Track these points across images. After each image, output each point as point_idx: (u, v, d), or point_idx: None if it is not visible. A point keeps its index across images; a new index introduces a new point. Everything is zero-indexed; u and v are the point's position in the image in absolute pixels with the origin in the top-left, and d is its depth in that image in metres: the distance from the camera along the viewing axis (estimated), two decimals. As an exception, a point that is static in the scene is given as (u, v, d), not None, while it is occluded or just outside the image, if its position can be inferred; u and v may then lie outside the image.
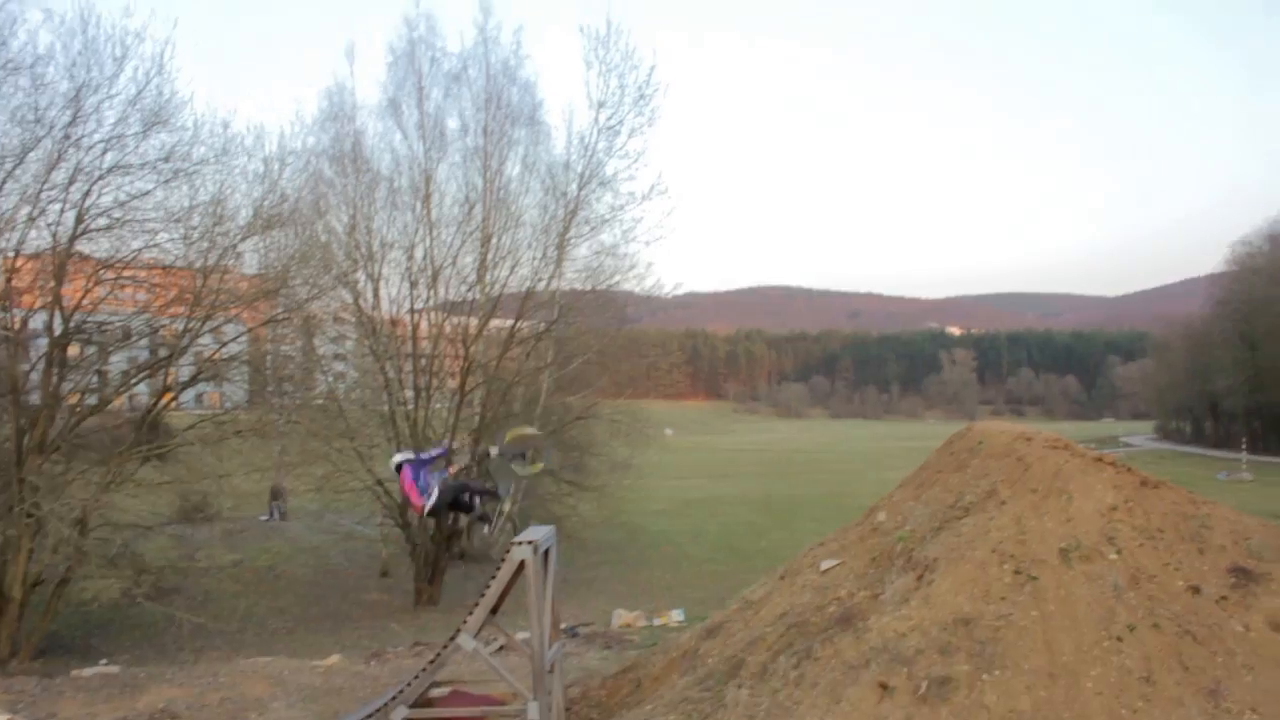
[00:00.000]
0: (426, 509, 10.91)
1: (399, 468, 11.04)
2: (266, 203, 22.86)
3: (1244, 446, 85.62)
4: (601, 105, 28.86)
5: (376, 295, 29.29)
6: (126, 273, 22.00)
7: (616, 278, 31.01)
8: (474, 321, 30.11)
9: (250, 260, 24.25)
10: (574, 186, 29.51)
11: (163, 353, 23.52)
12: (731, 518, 47.18)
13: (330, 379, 30.79)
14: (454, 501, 11.23)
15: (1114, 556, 10.50)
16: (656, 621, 23.04)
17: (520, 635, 13.13)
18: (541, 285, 29.94)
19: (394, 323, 30.63)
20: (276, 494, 36.66)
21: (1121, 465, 12.38)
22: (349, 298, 29.03)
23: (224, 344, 24.64)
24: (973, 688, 9.08)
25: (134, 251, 21.24)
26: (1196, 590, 10.09)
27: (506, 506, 13.34)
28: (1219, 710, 8.75)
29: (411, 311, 30.11)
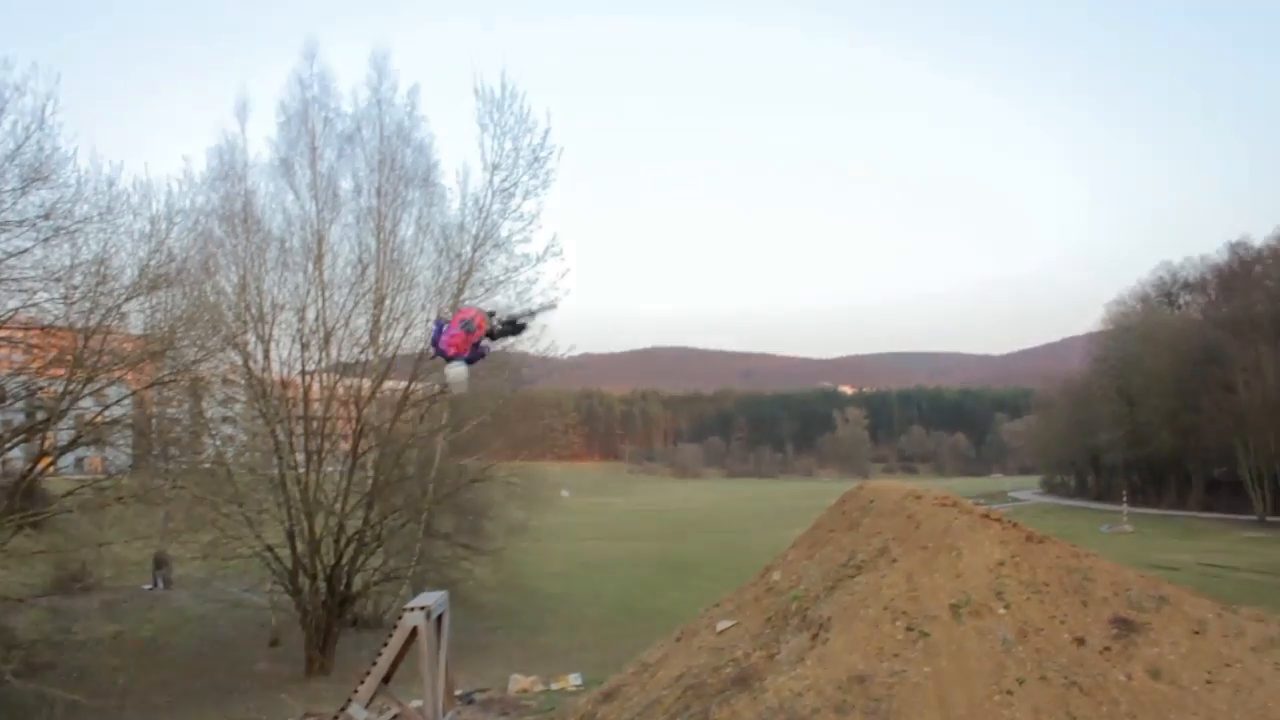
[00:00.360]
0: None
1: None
2: (153, 262, 22.35)
3: (1124, 499, 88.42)
4: (496, 167, 28.99)
5: (267, 357, 28.78)
6: (2, 333, 21.28)
7: (511, 340, 30.91)
8: (367, 383, 29.73)
9: (135, 321, 23.64)
10: (468, 248, 29.50)
11: (40, 415, 22.68)
12: (629, 578, 46.98)
13: (218, 442, 30.00)
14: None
15: (1003, 611, 10.76)
16: (554, 686, 22.81)
17: (414, 703, 12.86)
18: (436, 346, 29.73)
19: (285, 385, 30.05)
20: (161, 562, 35.40)
21: (1008, 521, 12.73)
22: (238, 359, 28.44)
23: (106, 407, 23.89)
24: (869, 745, 9.16)
25: (10, 311, 20.57)
26: (1081, 642, 10.38)
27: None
28: (1105, 760, 8.95)
29: (303, 373, 29.61)
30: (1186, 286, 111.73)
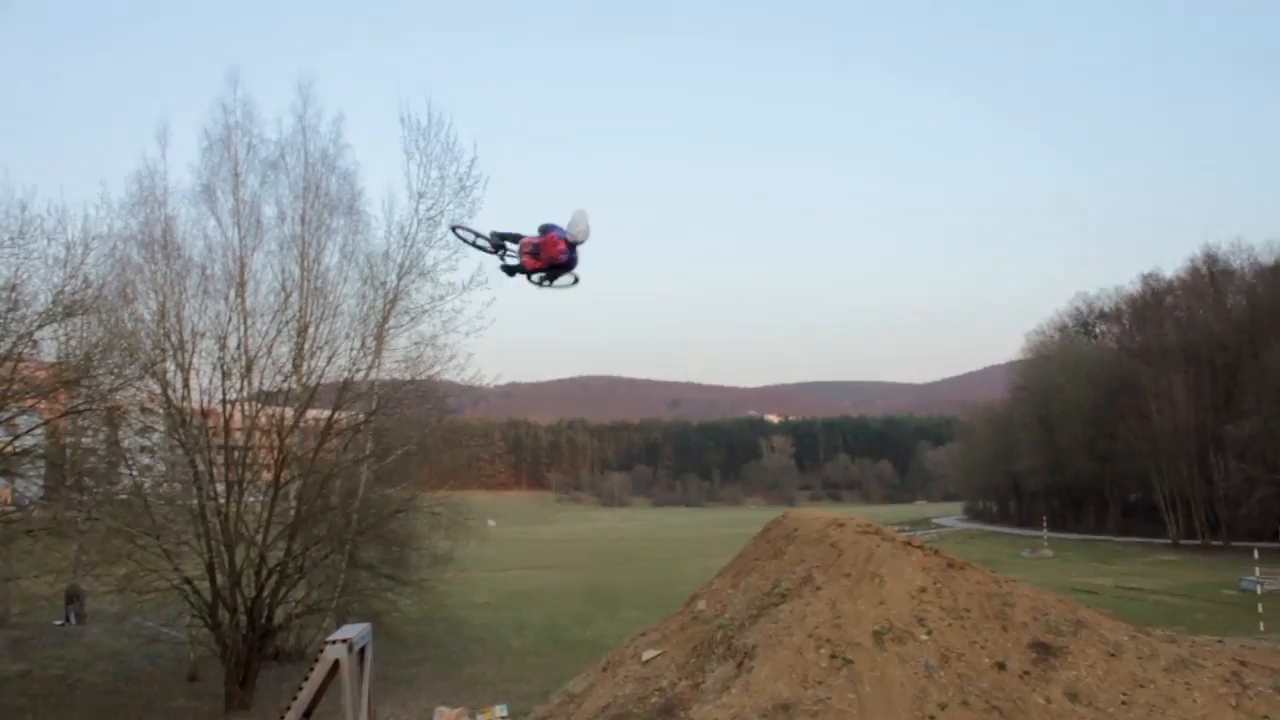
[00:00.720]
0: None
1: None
2: (68, 289, 21.89)
3: (1045, 524, 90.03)
4: (422, 196, 28.80)
5: (187, 385, 28.18)
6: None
7: (437, 368, 30.57)
8: (290, 412, 29.29)
9: (49, 348, 23.11)
10: (394, 276, 29.23)
11: (-54, 446, 22.06)
12: (555, 608, 46.68)
13: (135, 473, 29.27)
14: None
15: (925, 637, 10.90)
16: (480, 718, 22.54)
17: (337, 738, 12.65)
18: (360, 375, 29.38)
19: (205, 414, 29.48)
20: (73, 596, 34.44)
21: (929, 548, 12.92)
22: (157, 388, 27.82)
23: (16, 436, 23.26)
24: (794, 773, 9.19)
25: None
26: (1001, 666, 10.55)
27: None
28: (1026, 782, 9.09)
29: (224, 402, 29.07)
30: (1102, 316, 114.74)
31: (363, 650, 11.10)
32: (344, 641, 10.34)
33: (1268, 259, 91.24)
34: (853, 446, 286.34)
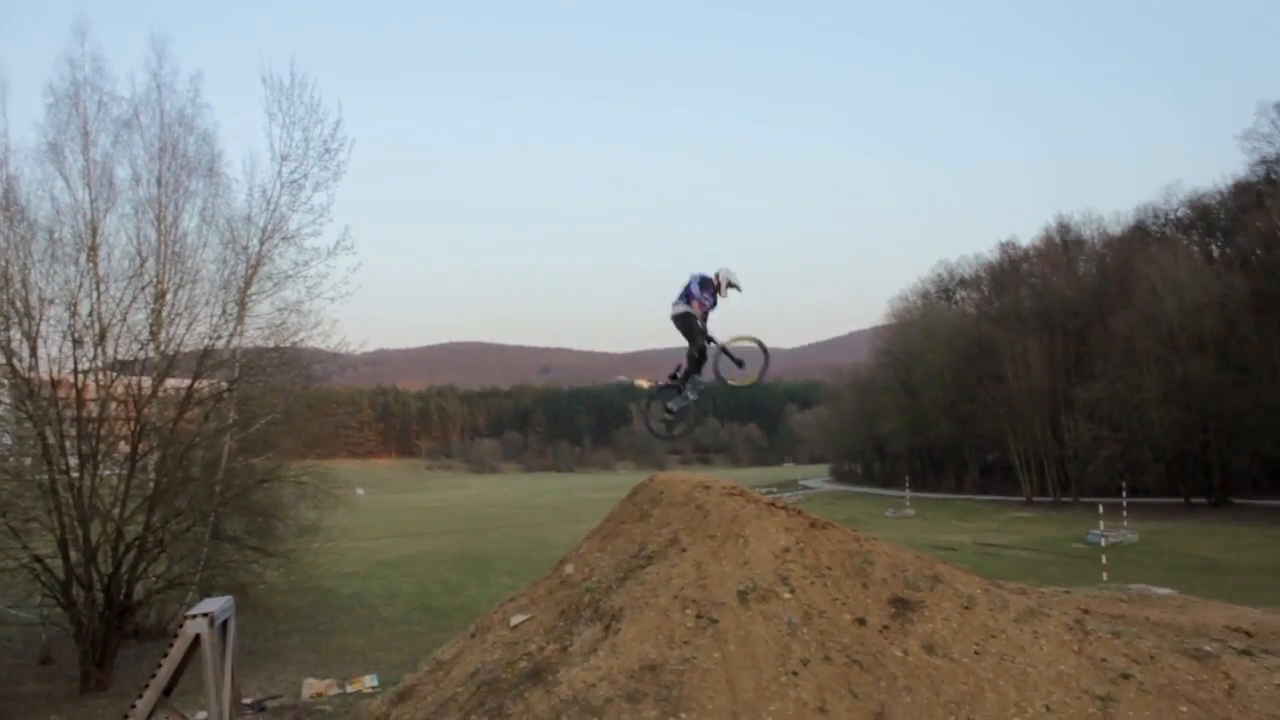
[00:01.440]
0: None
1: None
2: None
3: (907, 485, 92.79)
4: (285, 158, 27.99)
5: (34, 354, 26.94)
6: None
7: (301, 335, 29.82)
8: (148, 381, 28.30)
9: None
10: (256, 241, 28.37)
11: None
12: (426, 576, 46.36)
13: (-23, 447, 28.02)
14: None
15: (788, 595, 11.18)
16: (350, 689, 22.32)
17: (199, 715, 12.36)
18: (221, 343, 28.49)
19: (55, 384, 28.26)
20: (-88, 579, 32.86)
21: (792, 509, 13.21)
22: (1, 358, 26.60)
23: None
24: (662, 732, 9.36)
25: None
26: (862, 622, 10.90)
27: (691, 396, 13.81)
28: (885, 731, 9.45)
29: (76, 372, 27.91)
30: (963, 283, 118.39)
31: (225, 624, 10.85)
32: (204, 615, 10.08)
33: (1116, 229, 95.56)
34: (722, 411, 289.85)
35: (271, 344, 29.65)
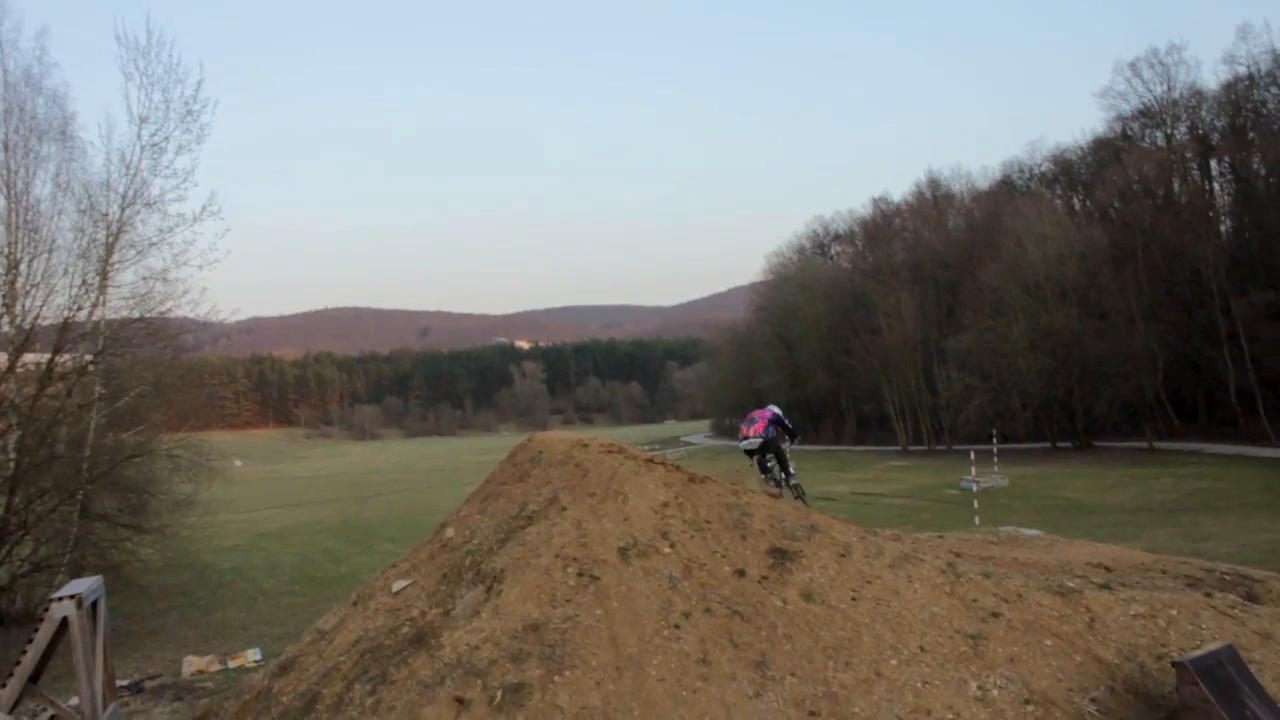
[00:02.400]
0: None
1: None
2: None
3: (787, 439, 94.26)
4: (144, 120, 26.91)
5: (-128, 331, 25.63)
6: None
7: (169, 304, 28.82)
8: (3, 357, 27.12)
9: None
10: (116, 207, 27.27)
11: None
12: (309, 547, 45.69)
13: None
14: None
15: (668, 550, 11.34)
16: (232, 664, 21.93)
17: (71, 701, 11.97)
18: (83, 314, 27.42)
19: (-100, 362, 26.90)
20: None
21: (671, 464, 13.34)
22: None
23: None
24: (546, 690, 9.43)
25: None
26: (742, 573, 11.11)
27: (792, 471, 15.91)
28: (766, 679, 9.70)
29: (-79, 349, 26.63)
30: (837, 238, 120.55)
31: (95, 605, 10.48)
32: (71, 597, 9.73)
33: (983, 184, 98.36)
34: (603, 370, 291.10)
35: (137, 314, 28.62)
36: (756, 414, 16.12)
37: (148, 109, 26.88)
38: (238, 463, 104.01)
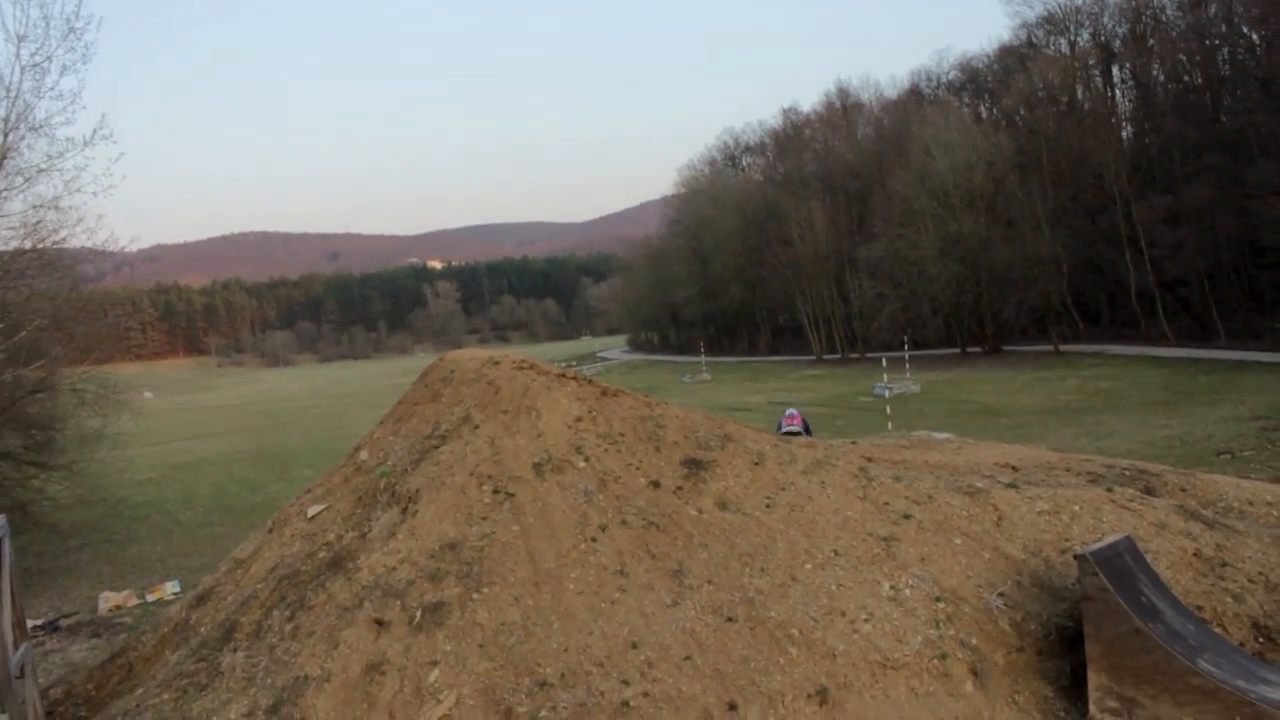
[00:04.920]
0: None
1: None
2: None
3: (702, 351, 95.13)
4: (22, 39, 25.57)
5: None
6: None
7: (63, 233, 27.74)
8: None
9: None
10: (-1, 133, 26.18)
11: None
12: (225, 476, 45.18)
13: None
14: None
15: (583, 464, 11.41)
16: (150, 598, 21.71)
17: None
18: (-33, 247, 26.42)
19: None
20: None
21: (583, 378, 13.37)
22: None
23: None
24: (465, 608, 9.50)
25: None
26: (656, 485, 11.23)
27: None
28: (683, 588, 9.87)
29: None
30: (748, 150, 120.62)
31: (-1, 544, 10.19)
32: (-29, 538, 9.44)
33: (892, 93, 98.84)
34: (517, 288, 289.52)
35: (29, 245, 27.61)
36: (792, 414, 19.65)
37: (25, 27, 25.55)
38: (148, 394, 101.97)
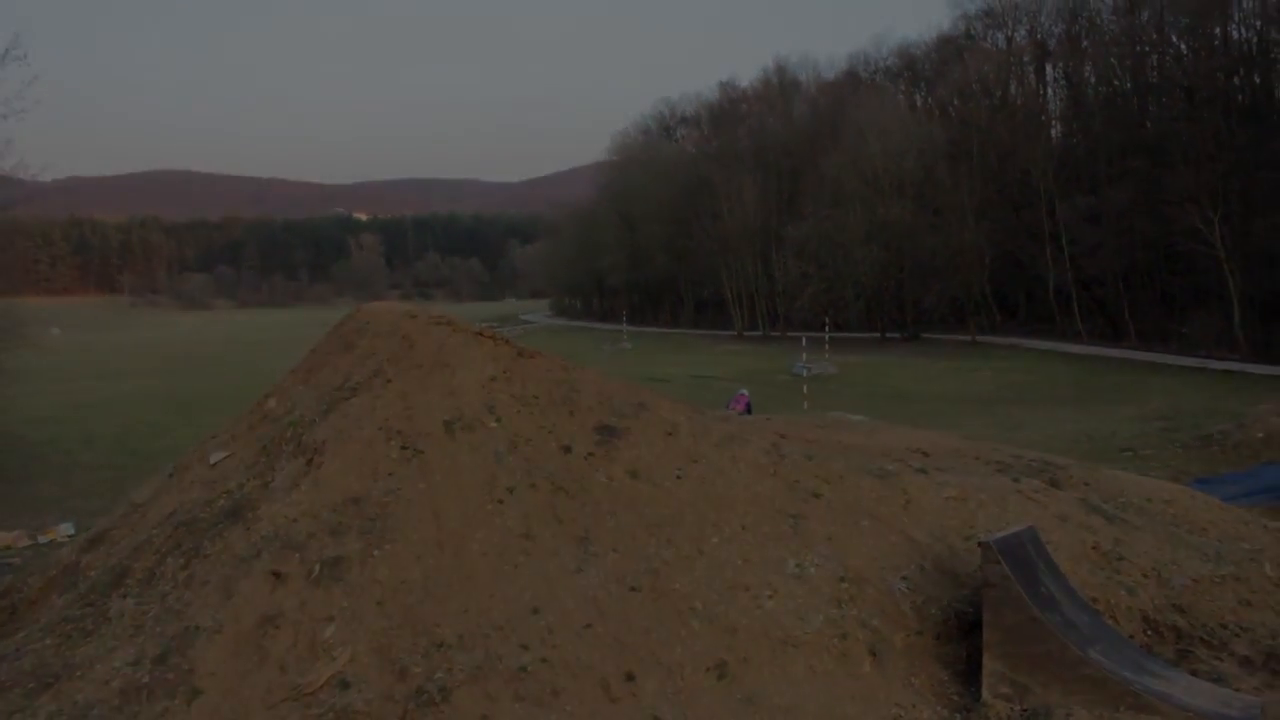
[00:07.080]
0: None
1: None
2: None
3: (625, 319, 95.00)
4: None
5: None
6: None
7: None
8: None
9: None
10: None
11: None
12: (131, 418, 44.10)
13: None
14: None
15: (494, 424, 11.28)
16: (42, 539, 21.21)
17: None
18: None
19: None
20: None
21: (500, 338, 13.21)
22: None
23: None
24: (365, 564, 9.36)
25: None
26: (568, 449, 11.15)
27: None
28: (588, 555, 9.83)
29: None
30: (683, 121, 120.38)
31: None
32: None
33: (830, 74, 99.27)
34: (443, 244, 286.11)
35: (-71, 169, 26.59)
36: (740, 398, 23.20)
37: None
38: (55, 330, 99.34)
